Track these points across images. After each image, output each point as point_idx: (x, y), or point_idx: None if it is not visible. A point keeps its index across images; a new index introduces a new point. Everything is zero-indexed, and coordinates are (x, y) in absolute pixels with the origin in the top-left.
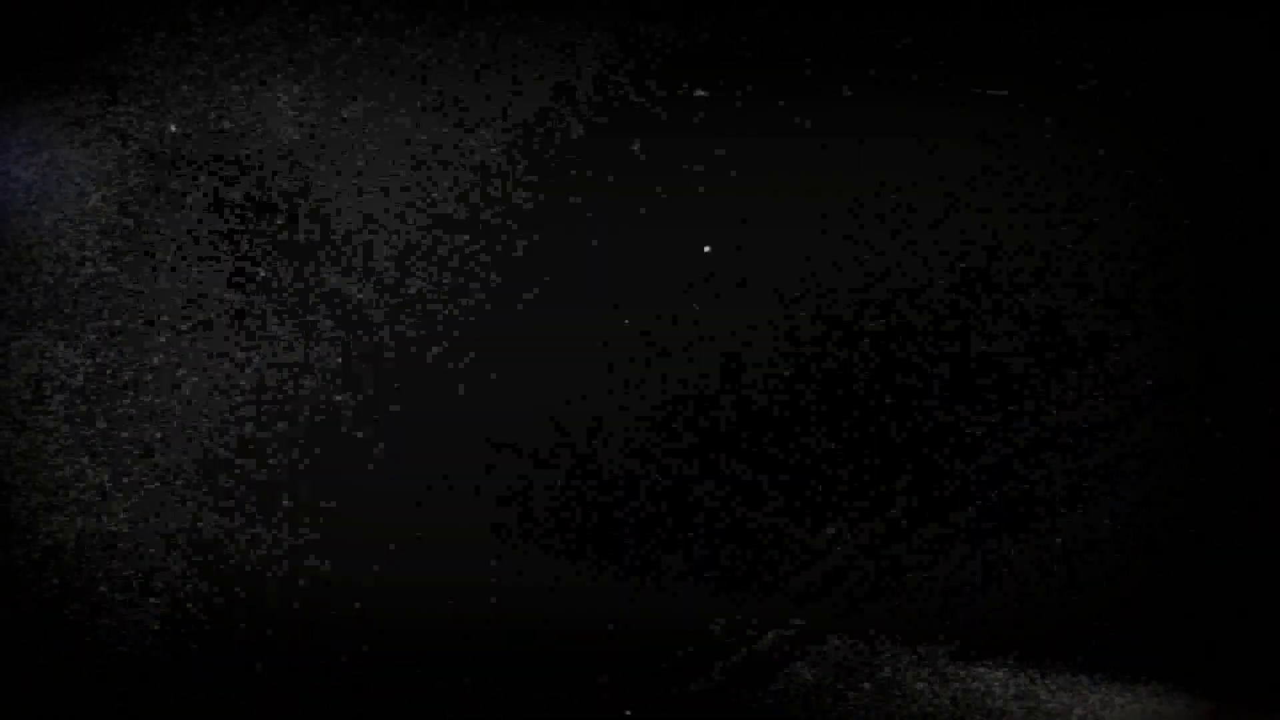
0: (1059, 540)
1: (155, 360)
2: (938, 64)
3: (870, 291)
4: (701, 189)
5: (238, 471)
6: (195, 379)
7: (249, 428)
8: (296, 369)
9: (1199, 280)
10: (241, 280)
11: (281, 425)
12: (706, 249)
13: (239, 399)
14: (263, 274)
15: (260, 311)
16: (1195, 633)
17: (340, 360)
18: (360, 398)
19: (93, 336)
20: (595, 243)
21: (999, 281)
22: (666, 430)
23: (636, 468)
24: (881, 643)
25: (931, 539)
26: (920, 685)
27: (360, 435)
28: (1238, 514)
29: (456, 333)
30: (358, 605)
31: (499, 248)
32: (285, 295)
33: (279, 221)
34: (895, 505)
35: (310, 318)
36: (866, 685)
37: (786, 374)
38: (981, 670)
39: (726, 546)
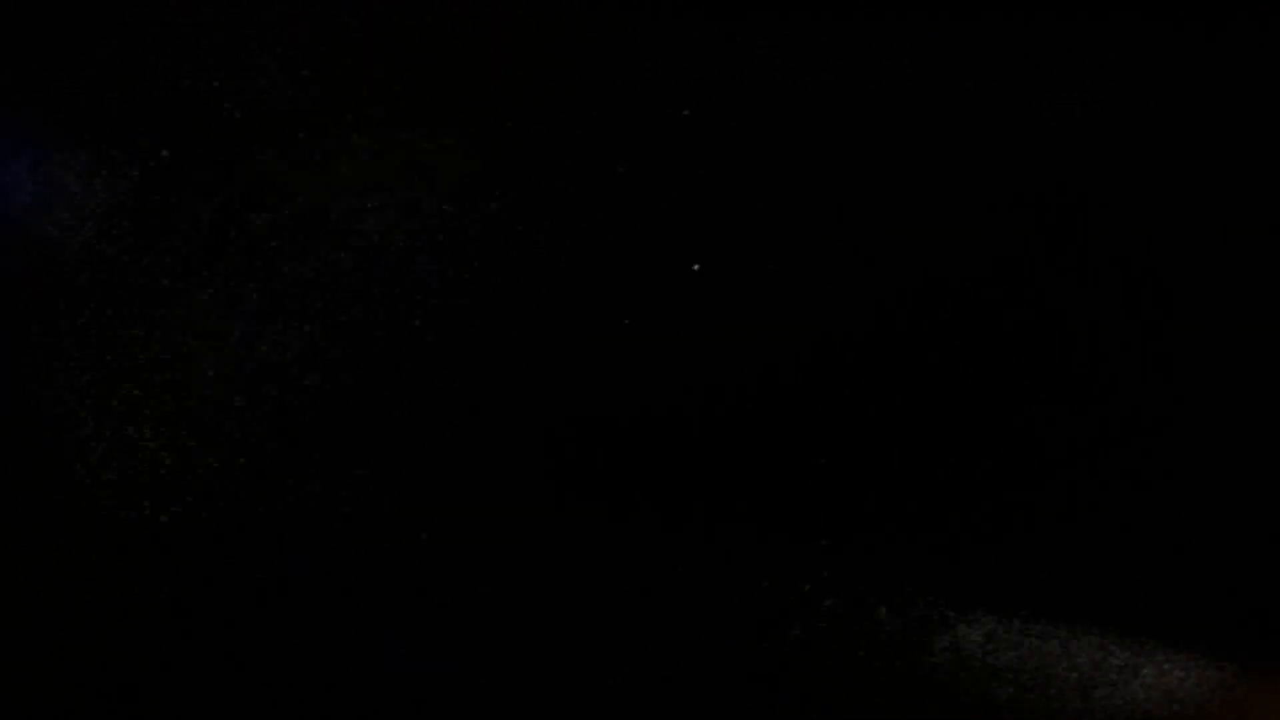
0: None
1: (153, 353)
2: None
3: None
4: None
5: (239, 458)
6: (191, 372)
7: (251, 414)
8: (292, 359)
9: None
10: (234, 275)
11: (280, 418)
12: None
13: (238, 388)
14: (258, 264)
15: (253, 301)
16: (1211, 602)
17: (344, 349)
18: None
19: (93, 330)
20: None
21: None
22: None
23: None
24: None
25: (940, 527)
26: (926, 671)
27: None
28: (1251, 492)
29: (471, 326)
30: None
31: (494, 246)
32: (280, 284)
33: (270, 217)
34: (921, 488)
35: (305, 306)
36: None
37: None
38: (996, 646)
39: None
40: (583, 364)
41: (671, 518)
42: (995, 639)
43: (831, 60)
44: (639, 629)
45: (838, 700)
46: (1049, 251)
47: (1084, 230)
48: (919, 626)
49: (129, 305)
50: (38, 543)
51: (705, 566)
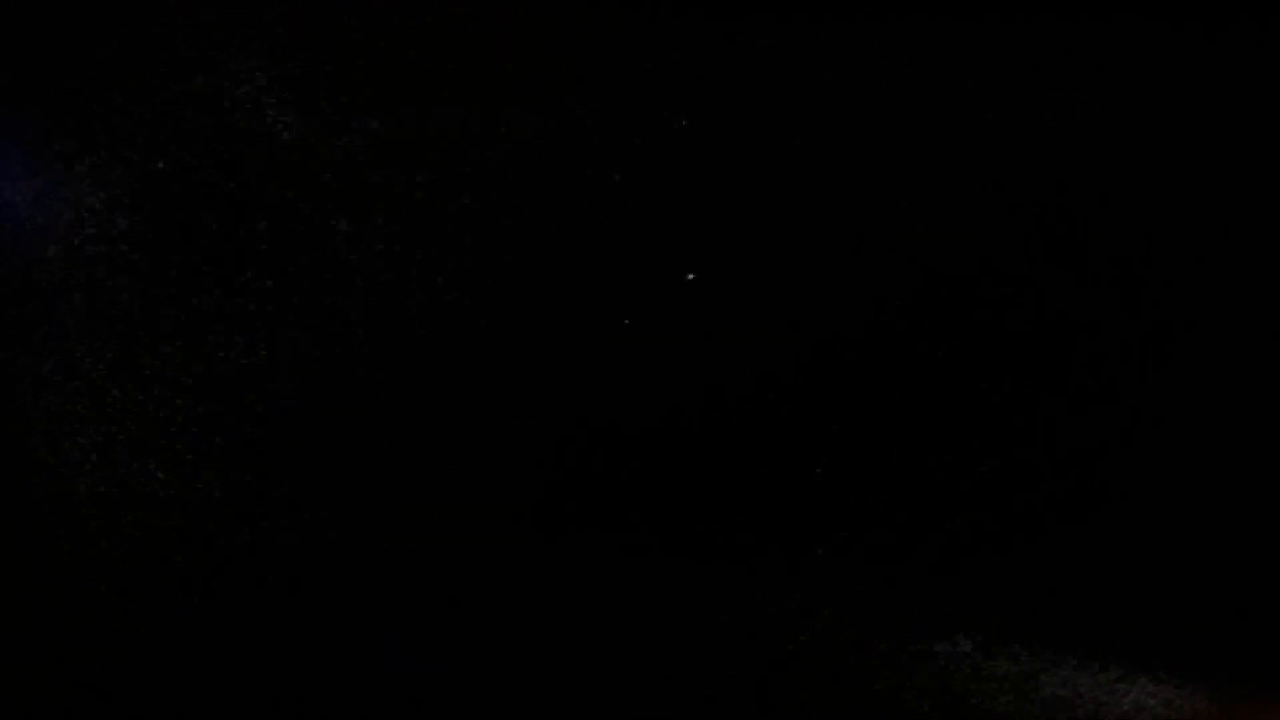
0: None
1: (150, 358)
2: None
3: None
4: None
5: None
6: (186, 383)
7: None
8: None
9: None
10: (232, 285)
11: (273, 431)
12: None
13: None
14: (253, 277)
15: (252, 315)
16: (1207, 625)
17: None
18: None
19: (90, 336)
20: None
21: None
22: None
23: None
24: (886, 633)
25: (937, 534)
26: (923, 678)
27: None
28: (1247, 502)
29: (475, 333)
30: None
31: (498, 250)
32: (275, 300)
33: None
34: (905, 503)
35: (301, 321)
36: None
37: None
38: (988, 663)
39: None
40: (579, 368)
41: (668, 524)
42: (991, 650)
43: (831, 60)
44: (634, 635)
45: (834, 708)
46: (1049, 252)
47: (1084, 230)
48: (915, 636)
49: (126, 311)
50: (30, 549)
51: (700, 574)
